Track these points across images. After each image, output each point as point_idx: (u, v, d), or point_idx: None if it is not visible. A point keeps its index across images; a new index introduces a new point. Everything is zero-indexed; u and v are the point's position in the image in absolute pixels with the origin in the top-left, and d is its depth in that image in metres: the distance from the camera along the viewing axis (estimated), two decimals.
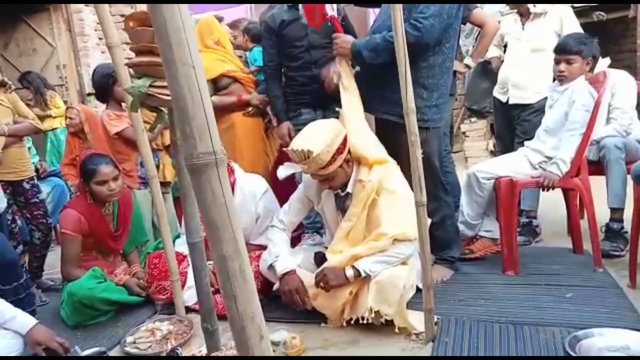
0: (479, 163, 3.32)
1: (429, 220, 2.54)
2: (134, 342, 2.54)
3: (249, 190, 3.04)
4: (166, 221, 2.78)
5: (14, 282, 2.84)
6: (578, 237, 3.15)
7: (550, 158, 2.94)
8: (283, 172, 2.74)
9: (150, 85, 1.54)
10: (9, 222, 3.13)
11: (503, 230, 3.01)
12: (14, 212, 3.24)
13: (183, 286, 2.86)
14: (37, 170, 3.96)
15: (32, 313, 2.83)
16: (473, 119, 6.48)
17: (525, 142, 3.20)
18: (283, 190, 3.12)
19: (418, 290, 2.52)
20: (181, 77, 0.59)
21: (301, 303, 2.48)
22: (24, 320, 2.37)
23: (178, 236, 3.22)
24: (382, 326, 2.37)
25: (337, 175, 2.49)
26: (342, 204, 2.62)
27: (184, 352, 2.34)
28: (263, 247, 2.88)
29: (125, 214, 3.16)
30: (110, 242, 3.13)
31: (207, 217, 0.63)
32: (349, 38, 2.68)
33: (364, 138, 2.61)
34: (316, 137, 2.42)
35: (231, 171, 3.00)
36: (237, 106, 3.59)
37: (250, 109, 3.60)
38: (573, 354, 1.99)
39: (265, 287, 2.80)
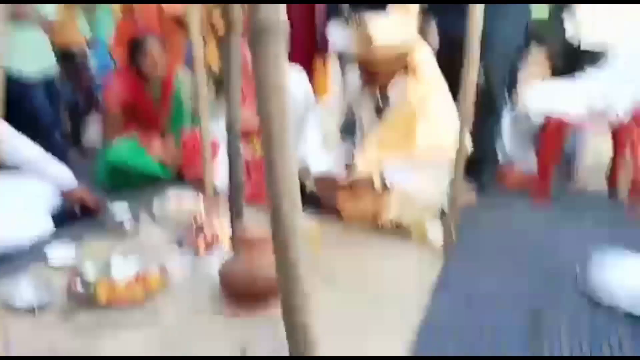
0: (529, 92, 3.15)
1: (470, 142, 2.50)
2: (162, 208, 2.67)
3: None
4: (207, 104, 2.80)
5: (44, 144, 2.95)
6: (618, 184, 3.05)
7: (609, 98, 2.76)
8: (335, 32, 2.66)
9: None
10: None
11: (540, 165, 2.94)
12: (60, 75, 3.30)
13: (215, 169, 2.94)
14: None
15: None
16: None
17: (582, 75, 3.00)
18: None
19: (443, 212, 2.53)
20: None
21: (334, 202, 2.51)
22: (63, 175, 2.50)
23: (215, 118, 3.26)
24: (401, 235, 2.41)
25: (379, 73, 2.40)
26: (380, 109, 2.57)
27: (207, 222, 2.44)
28: None
29: (167, 92, 3.21)
30: (150, 119, 3.20)
31: (262, 83, 0.62)
32: None
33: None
34: (389, 31, 2.35)
35: None
36: None
37: None
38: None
39: None
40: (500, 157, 3.11)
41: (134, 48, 2.98)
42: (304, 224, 2.30)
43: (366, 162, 2.51)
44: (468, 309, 1.88)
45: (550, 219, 2.72)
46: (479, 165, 2.86)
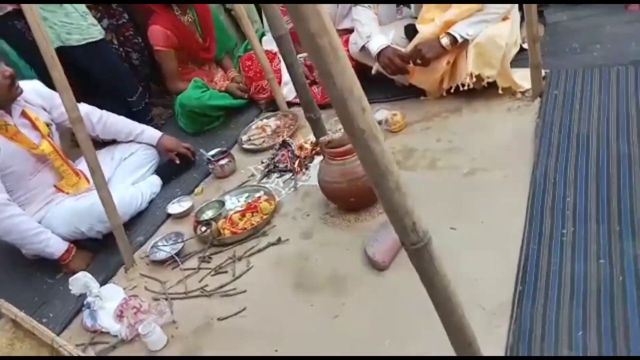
0: None
1: None
2: (249, 140, 2.77)
3: None
4: (248, 20, 2.73)
5: (135, 92, 3.13)
6: None
7: None
8: None
9: None
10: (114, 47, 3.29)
11: None
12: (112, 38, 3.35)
13: (280, 83, 2.93)
14: None
15: (150, 121, 3.18)
16: None
17: None
18: None
19: (521, 49, 2.34)
20: None
21: (404, 69, 2.37)
22: (152, 133, 2.66)
23: (263, 34, 3.19)
24: (485, 90, 2.30)
25: None
26: None
27: (294, 142, 2.52)
28: (350, 31, 2.76)
29: (206, 20, 3.14)
30: (201, 52, 3.19)
31: None
32: None
33: None
34: None
35: None
36: None
37: None
38: None
39: (359, 71, 2.78)
40: None
41: None
42: (381, 114, 2.30)
43: (428, 26, 2.33)
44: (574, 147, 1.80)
45: None
46: None
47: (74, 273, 1.94)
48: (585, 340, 1.21)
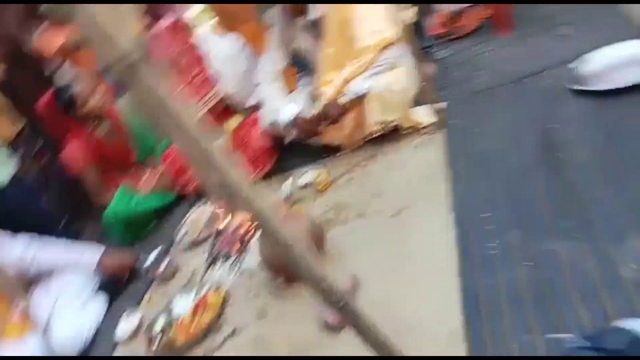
0: None
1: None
2: (185, 234, 2.75)
3: (224, 52, 2.95)
4: None
5: (57, 226, 3.06)
6: None
7: None
8: None
9: None
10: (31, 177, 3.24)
11: None
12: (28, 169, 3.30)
13: None
14: None
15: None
16: None
17: None
18: None
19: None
20: None
21: (315, 131, 2.52)
22: (90, 258, 2.58)
23: None
24: (393, 132, 2.43)
25: None
26: (317, 33, 2.51)
27: (230, 227, 2.52)
28: (258, 107, 2.88)
29: (119, 126, 3.15)
30: (123, 157, 3.18)
31: (154, 116, 0.63)
32: None
33: None
34: None
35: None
36: None
37: None
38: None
39: (277, 142, 2.88)
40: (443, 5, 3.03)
41: (70, 105, 2.90)
42: (306, 177, 2.37)
43: (328, 88, 2.49)
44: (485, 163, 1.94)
45: (518, 42, 2.68)
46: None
47: None
48: (533, 341, 1.27)
